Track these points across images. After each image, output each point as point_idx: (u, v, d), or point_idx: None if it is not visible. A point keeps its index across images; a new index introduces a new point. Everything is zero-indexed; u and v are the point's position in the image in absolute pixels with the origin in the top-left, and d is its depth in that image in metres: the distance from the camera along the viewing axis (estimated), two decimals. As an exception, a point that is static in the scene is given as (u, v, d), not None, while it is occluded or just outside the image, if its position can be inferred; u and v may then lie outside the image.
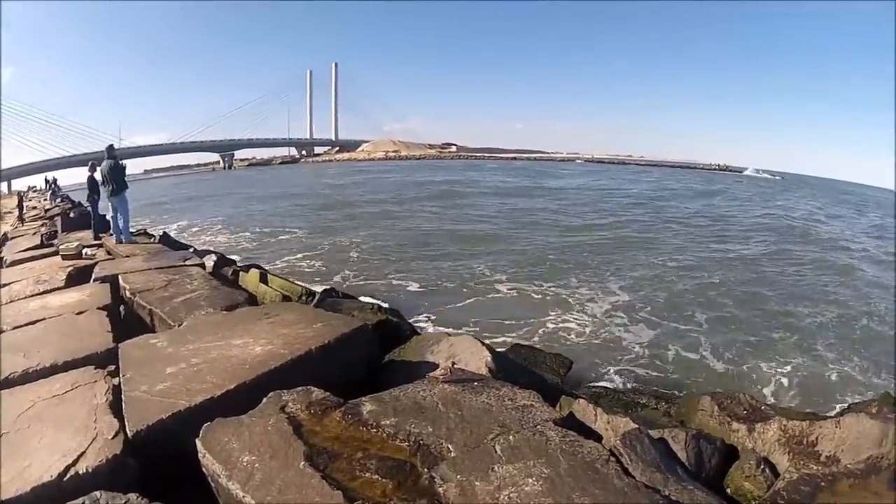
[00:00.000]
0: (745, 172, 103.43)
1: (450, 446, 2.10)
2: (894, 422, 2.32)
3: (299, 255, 16.30)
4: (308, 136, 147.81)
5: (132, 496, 1.89)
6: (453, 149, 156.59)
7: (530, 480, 1.85)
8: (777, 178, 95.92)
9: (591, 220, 25.11)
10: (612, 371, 7.57)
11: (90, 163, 10.75)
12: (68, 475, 2.13)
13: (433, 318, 10.02)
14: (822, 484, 2.07)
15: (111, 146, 10.16)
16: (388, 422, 2.30)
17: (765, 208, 35.02)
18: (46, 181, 40.81)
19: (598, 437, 2.57)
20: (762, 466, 2.53)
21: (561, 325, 9.78)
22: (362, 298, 7.62)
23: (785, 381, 7.49)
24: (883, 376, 7.84)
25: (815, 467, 2.18)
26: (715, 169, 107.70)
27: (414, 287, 12.45)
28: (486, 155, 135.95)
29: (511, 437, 2.15)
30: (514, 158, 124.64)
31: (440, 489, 1.84)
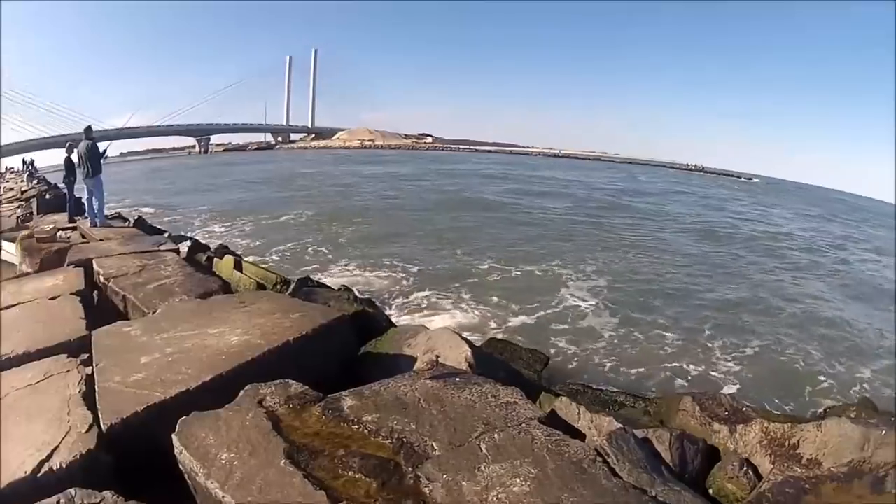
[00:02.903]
0: (705, 171, 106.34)
1: (434, 444, 2.06)
2: (875, 426, 2.34)
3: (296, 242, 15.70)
4: (285, 123, 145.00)
5: (107, 494, 1.81)
6: (429, 140, 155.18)
7: (518, 480, 1.81)
8: (743, 179, 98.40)
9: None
10: (587, 365, 7.53)
11: (67, 144, 10.43)
12: (42, 471, 2.04)
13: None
14: (807, 486, 2.07)
15: (89, 127, 9.85)
16: (369, 418, 2.24)
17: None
18: (24, 162, 39.68)
19: (581, 436, 2.55)
20: (745, 468, 2.54)
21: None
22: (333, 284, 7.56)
23: (748, 374, 7.54)
24: (848, 366, 7.99)
25: (798, 470, 2.19)
26: (691, 169, 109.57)
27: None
28: (461, 147, 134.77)
29: (496, 435, 2.11)
30: (490, 151, 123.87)
31: (426, 489, 1.80)
